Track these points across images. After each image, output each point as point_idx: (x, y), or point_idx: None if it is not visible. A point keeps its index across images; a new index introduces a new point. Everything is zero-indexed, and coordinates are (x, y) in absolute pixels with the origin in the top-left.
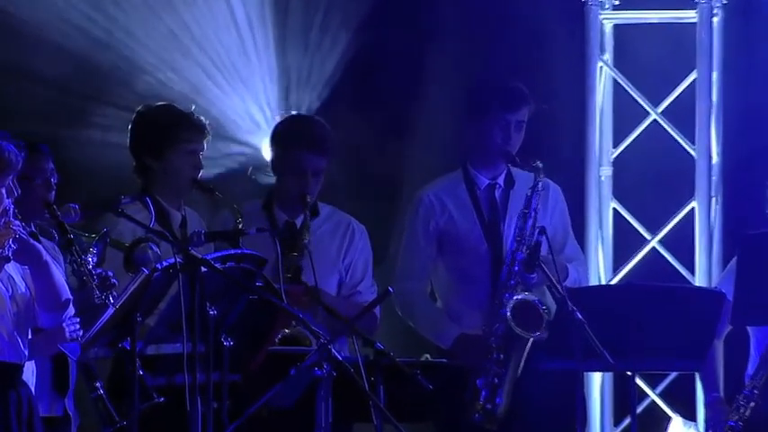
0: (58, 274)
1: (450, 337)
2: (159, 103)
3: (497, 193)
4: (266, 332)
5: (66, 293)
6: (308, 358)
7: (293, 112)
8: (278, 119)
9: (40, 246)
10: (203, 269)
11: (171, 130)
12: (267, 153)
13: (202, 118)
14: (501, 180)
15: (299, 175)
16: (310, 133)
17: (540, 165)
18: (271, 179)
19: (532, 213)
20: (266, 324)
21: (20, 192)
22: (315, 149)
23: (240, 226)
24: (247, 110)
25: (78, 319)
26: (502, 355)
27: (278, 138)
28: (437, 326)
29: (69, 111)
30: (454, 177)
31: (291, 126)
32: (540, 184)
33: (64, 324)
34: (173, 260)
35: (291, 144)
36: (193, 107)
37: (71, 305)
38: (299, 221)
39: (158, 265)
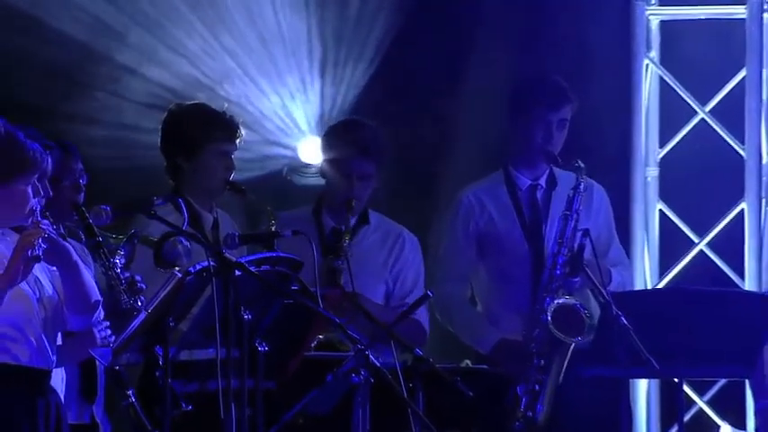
0: (88, 276)
1: (490, 342)
2: (191, 102)
3: (539, 194)
4: (302, 337)
5: (96, 295)
6: (345, 364)
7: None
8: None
9: (69, 246)
10: (237, 273)
11: (203, 129)
12: (304, 154)
13: (235, 118)
14: (543, 181)
15: (346, 180)
16: (359, 137)
17: (582, 165)
18: (306, 181)
19: (574, 215)
20: (302, 329)
21: (51, 194)
22: (363, 153)
23: (273, 228)
24: (284, 107)
25: (109, 323)
26: (543, 361)
27: (326, 141)
28: (477, 330)
29: (89, 108)
30: (495, 178)
31: (340, 129)
32: (583, 184)
33: (95, 329)
34: (206, 263)
35: (339, 147)
36: (225, 106)
37: (100, 307)
38: (347, 226)
39: (191, 269)
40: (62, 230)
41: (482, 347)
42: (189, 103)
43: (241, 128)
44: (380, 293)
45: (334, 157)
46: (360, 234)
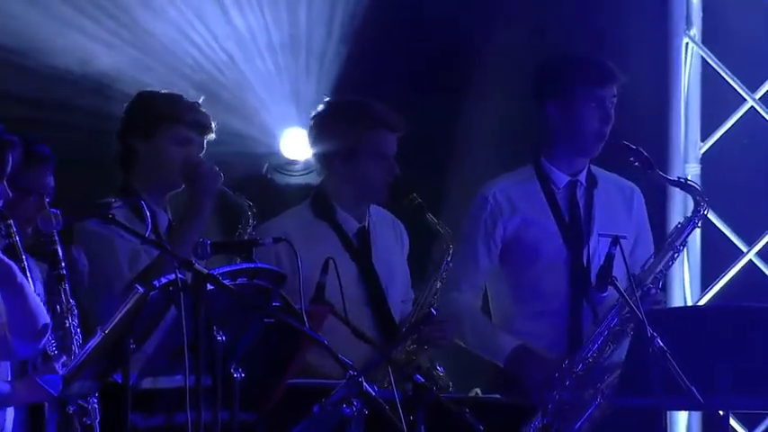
0: (34, 297)
1: (506, 348)
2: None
3: (579, 193)
4: (285, 362)
5: (44, 318)
6: (335, 393)
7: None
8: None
9: (12, 264)
10: (209, 286)
11: (166, 108)
12: (287, 147)
13: (207, 113)
14: (582, 177)
15: (383, 160)
16: (380, 110)
17: (696, 184)
18: (289, 179)
19: (680, 249)
20: (285, 352)
21: (10, 195)
22: (391, 129)
23: (250, 229)
24: (262, 91)
25: (64, 358)
26: (601, 390)
27: (337, 124)
28: (491, 338)
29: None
30: (524, 173)
31: (353, 108)
32: (702, 212)
33: (56, 364)
34: (172, 276)
35: (361, 127)
36: (202, 98)
37: (50, 332)
38: (366, 224)
39: (156, 282)
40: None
41: (498, 357)
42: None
43: (213, 126)
44: (401, 296)
45: (364, 137)
46: (373, 229)
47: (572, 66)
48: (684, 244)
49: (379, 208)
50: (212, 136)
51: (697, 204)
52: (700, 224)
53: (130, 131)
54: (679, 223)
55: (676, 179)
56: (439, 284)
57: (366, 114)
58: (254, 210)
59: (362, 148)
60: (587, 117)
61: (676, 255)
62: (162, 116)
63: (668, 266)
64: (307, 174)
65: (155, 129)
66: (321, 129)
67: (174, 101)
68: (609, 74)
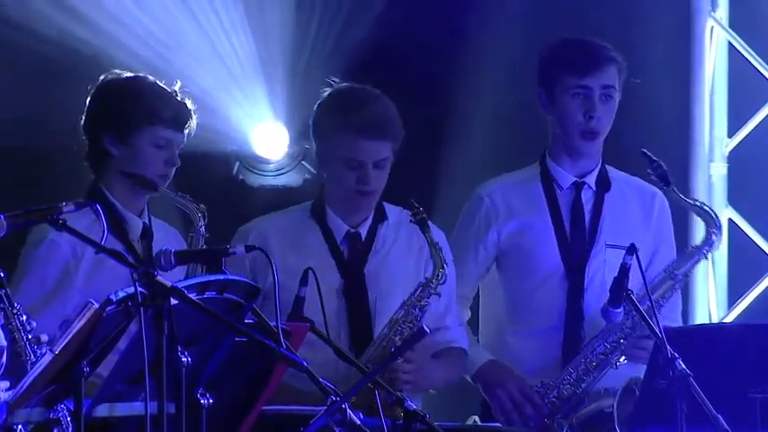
0: None
1: (477, 362)
2: (129, 74)
3: (586, 197)
4: (259, 386)
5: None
6: (315, 421)
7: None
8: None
9: None
10: (173, 301)
11: (145, 105)
12: (259, 145)
13: (188, 103)
14: (591, 179)
15: (355, 168)
16: (366, 111)
17: (712, 211)
18: (262, 180)
19: (680, 279)
20: (259, 375)
21: None
22: (372, 133)
23: (202, 230)
24: (232, 81)
25: (9, 383)
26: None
27: (323, 118)
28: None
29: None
30: (528, 173)
31: (339, 102)
32: (715, 242)
33: None
34: (131, 289)
35: (340, 126)
36: (178, 84)
37: (5, 355)
38: (363, 230)
39: (113, 296)
40: None
41: (468, 370)
42: (129, 74)
43: (194, 118)
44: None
45: (335, 139)
46: (379, 236)
47: (555, 50)
48: (686, 275)
49: (405, 211)
50: (193, 127)
51: (709, 235)
52: (709, 257)
53: (101, 130)
54: (686, 250)
55: (693, 201)
56: (418, 311)
57: (338, 112)
58: (206, 212)
59: (331, 152)
60: (570, 109)
61: (677, 286)
62: (139, 119)
63: (666, 297)
64: (281, 174)
65: (131, 132)
66: (316, 122)
67: (150, 95)
68: (595, 58)
